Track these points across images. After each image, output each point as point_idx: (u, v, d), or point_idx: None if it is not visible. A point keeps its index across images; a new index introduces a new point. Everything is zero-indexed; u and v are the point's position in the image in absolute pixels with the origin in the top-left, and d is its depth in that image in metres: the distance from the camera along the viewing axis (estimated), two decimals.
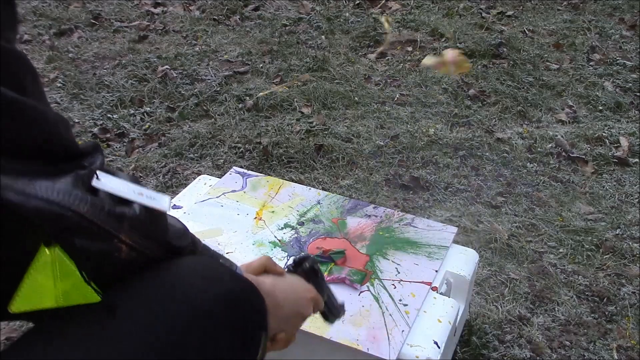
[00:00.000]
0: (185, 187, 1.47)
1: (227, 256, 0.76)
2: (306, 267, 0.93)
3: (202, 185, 1.45)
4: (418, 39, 2.80)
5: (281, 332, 0.83)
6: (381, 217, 1.35)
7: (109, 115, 2.27)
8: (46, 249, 0.49)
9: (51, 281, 0.49)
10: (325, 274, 1.17)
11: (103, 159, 0.55)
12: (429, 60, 1.55)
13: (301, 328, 1.07)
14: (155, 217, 0.58)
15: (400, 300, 1.13)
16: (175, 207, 1.37)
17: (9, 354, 0.55)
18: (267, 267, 0.86)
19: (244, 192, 1.41)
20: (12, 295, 0.51)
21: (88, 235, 0.51)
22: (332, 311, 1.04)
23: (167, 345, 0.59)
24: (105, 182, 0.52)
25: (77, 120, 2.23)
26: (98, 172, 0.53)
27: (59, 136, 0.52)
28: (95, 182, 0.52)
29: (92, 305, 0.57)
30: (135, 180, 0.59)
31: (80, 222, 0.50)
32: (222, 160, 2.05)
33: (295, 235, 1.28)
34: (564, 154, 2.09)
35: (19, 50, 0.51)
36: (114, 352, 0.55)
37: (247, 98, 2.36)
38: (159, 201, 0.57)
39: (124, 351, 0.55)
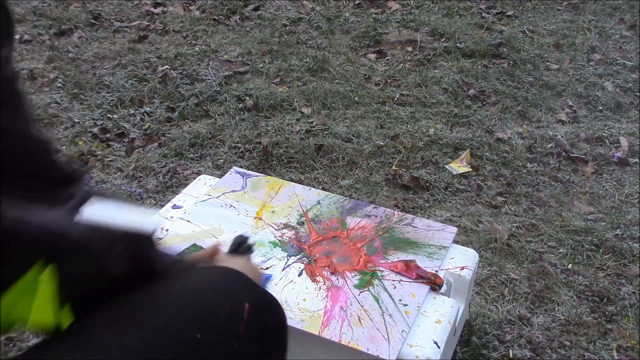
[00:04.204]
0: (185, 187, 1.47)
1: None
2: (245, 247, 1.00)
3: (202, 185, 1.45)
4: (418, 39, 2.80)
5: None
6: (381, 217, 1.35)
7: (109, 115, 2.27)
8: (39, 271, 0.50)
9: (33, 301, 0.51)
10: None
11: (86, 187, 0.58)
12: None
13: (300, 328, 1.07)
14: (140, 238, 0.60)
15: (400, 300, 1.13)
16: (175, 207, 1.37)
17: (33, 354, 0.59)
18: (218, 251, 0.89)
19: (244, 192, 1.41)
20: None
21: (80, 258, 0.53)
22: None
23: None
24: (92, 212, 0.55)
25: (77, 120, 2.23)
26: (81, 208, 0.56)
27: (54, 164, 0.56)
28: (82, 215, 0.55)
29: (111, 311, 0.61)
30: (121, 199, 0.62)
31: (74, 246, 0.52)
32: (222, 160, 2.05)
33: (295, 235, 1.28)
34: (564, 154, 2.09)
35: (11, 74, 0.53)
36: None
37: (247, 98, 2.36)
38: (145, 224, 0.60)
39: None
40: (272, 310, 0.74)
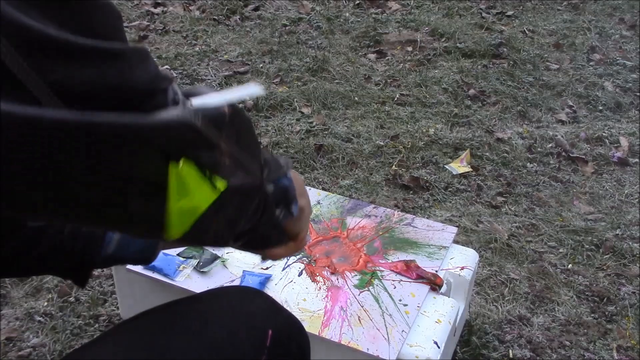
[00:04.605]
0: None
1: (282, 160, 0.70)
2: None
3: None
4: (418, 39, 2.80)
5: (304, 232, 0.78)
6: (381, 217, 1.35)
7: None
8: (177, 168, 0.48)
9: (194, 192, 0.50)
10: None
11: (176, 85, 0.57)
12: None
13: None
14: (244, 121, 0.58)
15: (400, 300, 1.13)
16: None
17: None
18: None
19: None
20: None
21: (201, 148, 0.51)
22: None
23: None
24: (198, 101, 0.55)
25: None
26: (191, 99, 0.55)
27: (159, 73, 0.54)
28: (193, 102, 0.54)
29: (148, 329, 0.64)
30: (214, 89, 0.59)
31: (196, 135, 0.50)
32: None
33: None
34: (564, 154, 2.09)
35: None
36: None
37: (247, 98, 2.36)
38: (249, 89, 0.58)
39: None
40: (295, 336, 0.72)
